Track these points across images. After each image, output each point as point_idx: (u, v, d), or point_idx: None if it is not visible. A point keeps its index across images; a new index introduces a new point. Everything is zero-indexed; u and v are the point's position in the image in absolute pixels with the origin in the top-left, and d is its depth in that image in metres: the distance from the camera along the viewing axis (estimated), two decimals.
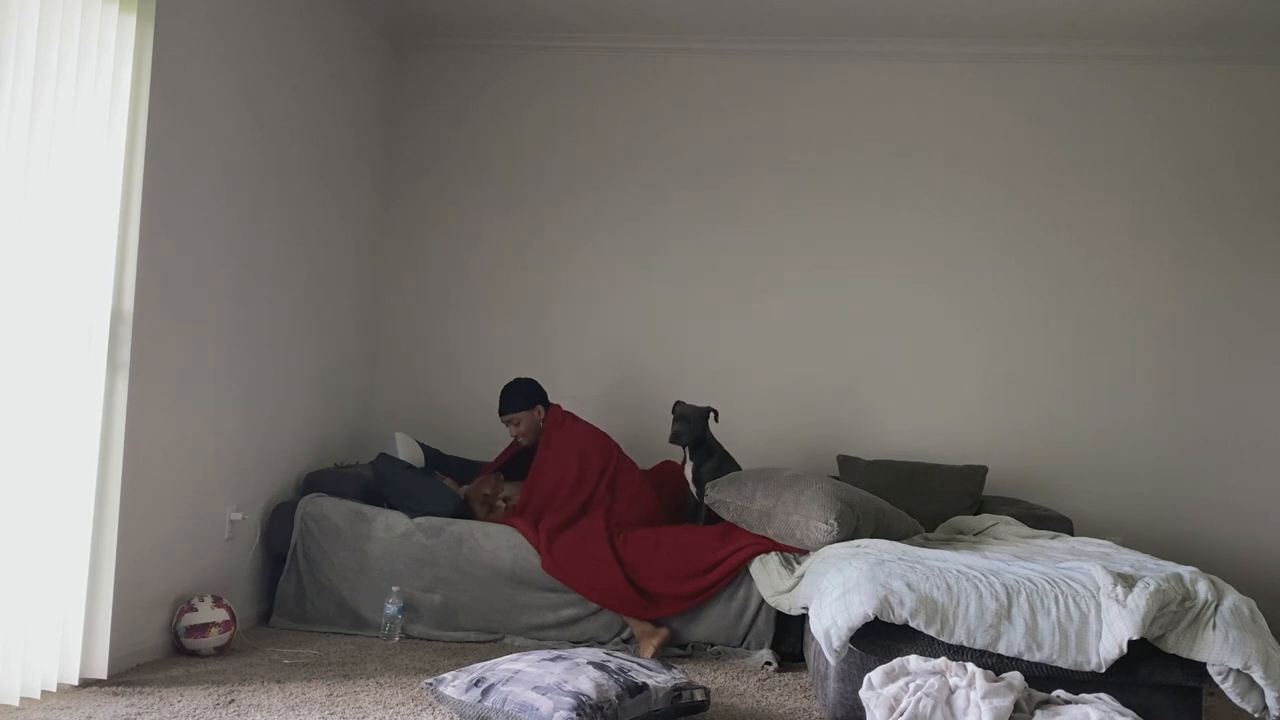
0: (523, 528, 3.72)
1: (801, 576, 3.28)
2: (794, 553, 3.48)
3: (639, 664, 2.72)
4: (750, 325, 4.70)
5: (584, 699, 2.38)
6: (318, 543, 3.74)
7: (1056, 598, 2.61)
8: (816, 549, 3.30)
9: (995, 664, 2.59)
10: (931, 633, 2.61)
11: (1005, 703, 2.29)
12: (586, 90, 4.84)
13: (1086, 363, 4.54)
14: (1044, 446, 4.52)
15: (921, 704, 2.31)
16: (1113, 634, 2.54)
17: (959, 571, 2.70)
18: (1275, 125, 4.52)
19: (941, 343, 4.61)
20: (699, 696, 2.71)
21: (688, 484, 3.98)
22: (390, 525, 3.74)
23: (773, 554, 3.49)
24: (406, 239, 4.88)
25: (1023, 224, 4.61)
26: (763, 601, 3.51)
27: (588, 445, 3.97)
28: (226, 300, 3.50)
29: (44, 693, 2.71)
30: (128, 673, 2.98)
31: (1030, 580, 2.68)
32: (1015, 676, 2.45)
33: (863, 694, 2.45)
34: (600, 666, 2.59)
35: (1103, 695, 2.46)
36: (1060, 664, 2.57)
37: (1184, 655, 2.56)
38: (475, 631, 3.66)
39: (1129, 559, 2.99)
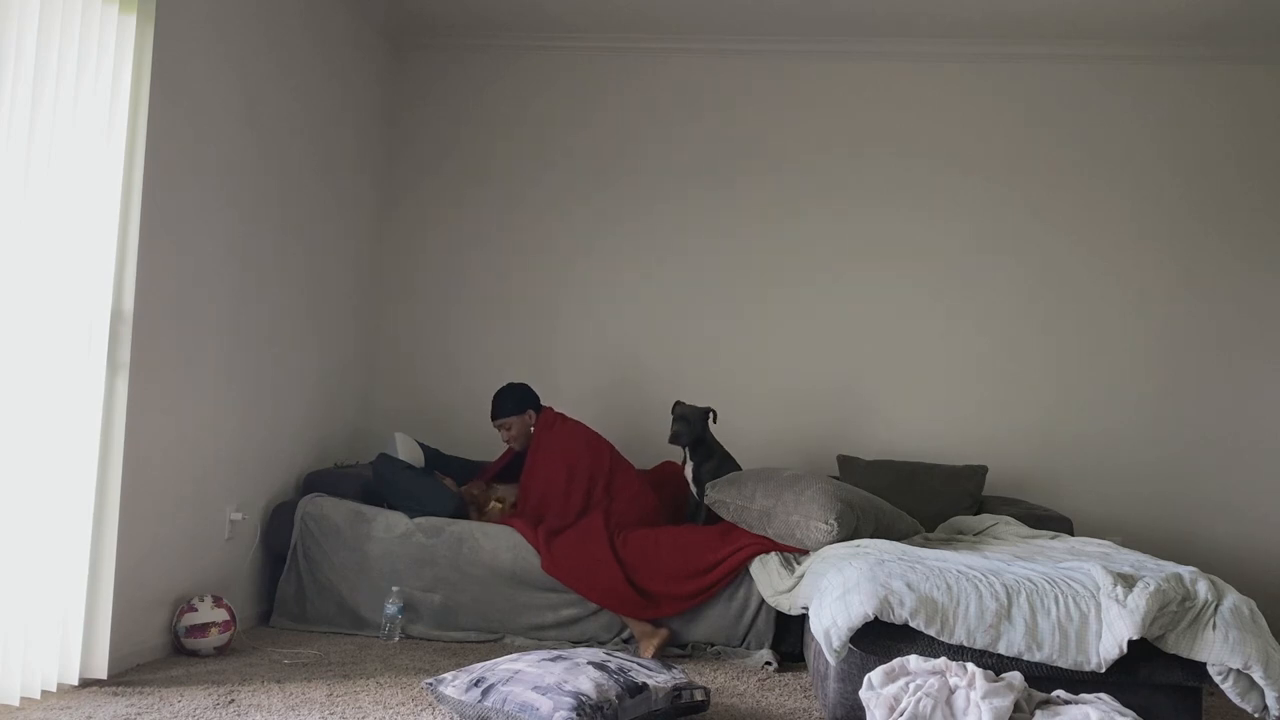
0: (522, 528, 3.72)
1: (801, 576, 3.28)
2: (794, 553, 3.48)
3: (639, 664, 2.72)
4: (751, 325, 4.70)
5: (584, 699, 2.38)
6: (318, 543, 3.74)
7: (1056, 598, 2.61)
8: (816, 549, 3.30)
9: (995, 664, 2.59)
10: (931, 633, 2.61)
11: (1005, 703, 2.29)
12: (586, 90, 4.84)
13: (1086, 363, 4.54)
14: (1044, 446, 4.52)
15: (921, 704, 2.31)
16: (1113, 634, 2.54)
17: (959, 571, 2.70)
18: (1275, 125, 4.52)
19: (941, 342, 4.61)
20: (699, 696, 2.71)
21: (688, 484, 3.98)
22: (390, 525, 3.74)
23: (773, 554, 3.49)
24: (406, 239, 4.88)
25: (1023, 224, 4.61)
26: (763, 601, 3.51)
27: (577, 446, 3.96)
28: (226, 300, 3.50)
29: (44, 693, 2.71)
30: (128, 673, 2.98)
31: (1030, 580, 2.68)
32: (1015, 676, 2.45)
33: (863, 694, 2.45)
34: (600, 666, 2.59)
35: (1103, 695, 2.46)
36: (1060, 664, 2.57)
37: (1184, 655, 2.56)
38: (475, 631, 3.66)
39: (1129, 559, 2.99)
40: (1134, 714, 2.35)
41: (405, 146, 4.90)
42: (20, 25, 2.52)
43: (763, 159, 4.73)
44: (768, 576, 3.44)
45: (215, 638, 3.22)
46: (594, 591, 3.55)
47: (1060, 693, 2.49)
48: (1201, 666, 2.58)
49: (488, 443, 4.45)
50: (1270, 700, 2.49)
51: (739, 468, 3.93)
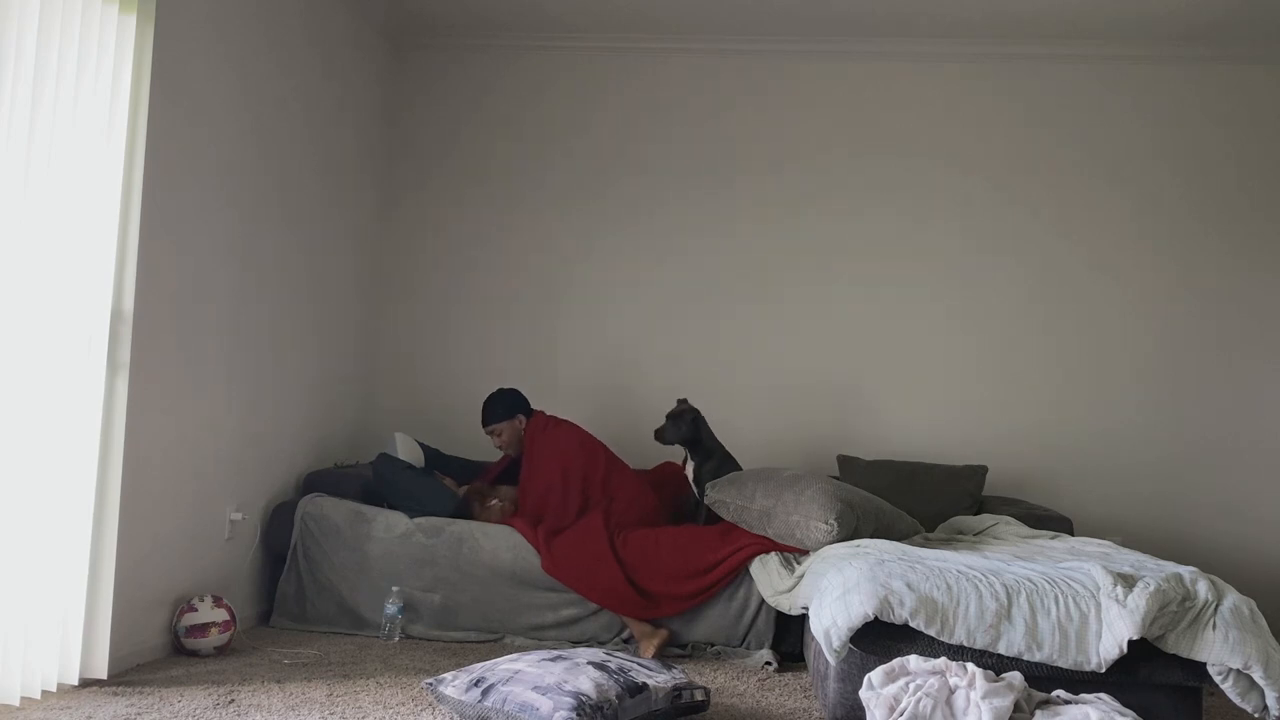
0: (522, 528, 3.72)
1: (801, 576, 3.28)
2: (794, 553, 3.48)
3: (639, 664, 2.72)
4: (750, 325, 4.70)
5: (584, 699, 2.38)
6: (318, 543, 3.74)
7: (1056, 598, 2.61)
8: (816, 549, 3.30)
9: (995, 664, 2.59)
10: (931, 633, 2.61)
11: (1005, 703, 2.29)
12: (586, 90, 4.84)
13: (1086, 363, 4.54)
14: (1044, 446, 4.52)
15: (921, 704, 2.31)
16: (1113, 634, 2.54)
17: (959, 571, 2.70)
18: (1275, 125, 4.52)
19: (941, 342, 4.61)
20: (699, 696, 2.71)
21: (689, 484, 3.98)
22: (390, 525, 3.74)
23: (773, 554, 3.49)
24: (406, 239, 4.88)
25: (1023, 224, 4.61)
26: (763, 601, 3.51)
27: (570, 448, 3.96)
28: (226, 300, 3.50)
29: (44, 693, 2.71)
30: (128, 673, 2.98)
31: (1030, 580, 2.68)
32: (1015, 676, 2.45)
33: (863, 694, 2.45)
34: (600, 666, 2.59)
35: (1103, 695, 2.46)
36: (1060, 664, 2.57)
37: (1184, 655, 2.56)
38: (475, 631, 3.66)
39: (1129, 559, 2.99)
40: (1134, 714, 2.35)
41: (405, 146, 4.90)
42: (20, 25, 2.52)
43: (763, 159, 4.73)
44: (768, 576, 3.44)
45: (215, 638, 3.22)
46: (594, 591, 3.55)
47: (1060, 693, 2.49)
48: (1201, 666, 2.58)
49: (487, 443, 4.44)
50: (1270, 700, 2.49)
51: (739, 468, 3.93)
